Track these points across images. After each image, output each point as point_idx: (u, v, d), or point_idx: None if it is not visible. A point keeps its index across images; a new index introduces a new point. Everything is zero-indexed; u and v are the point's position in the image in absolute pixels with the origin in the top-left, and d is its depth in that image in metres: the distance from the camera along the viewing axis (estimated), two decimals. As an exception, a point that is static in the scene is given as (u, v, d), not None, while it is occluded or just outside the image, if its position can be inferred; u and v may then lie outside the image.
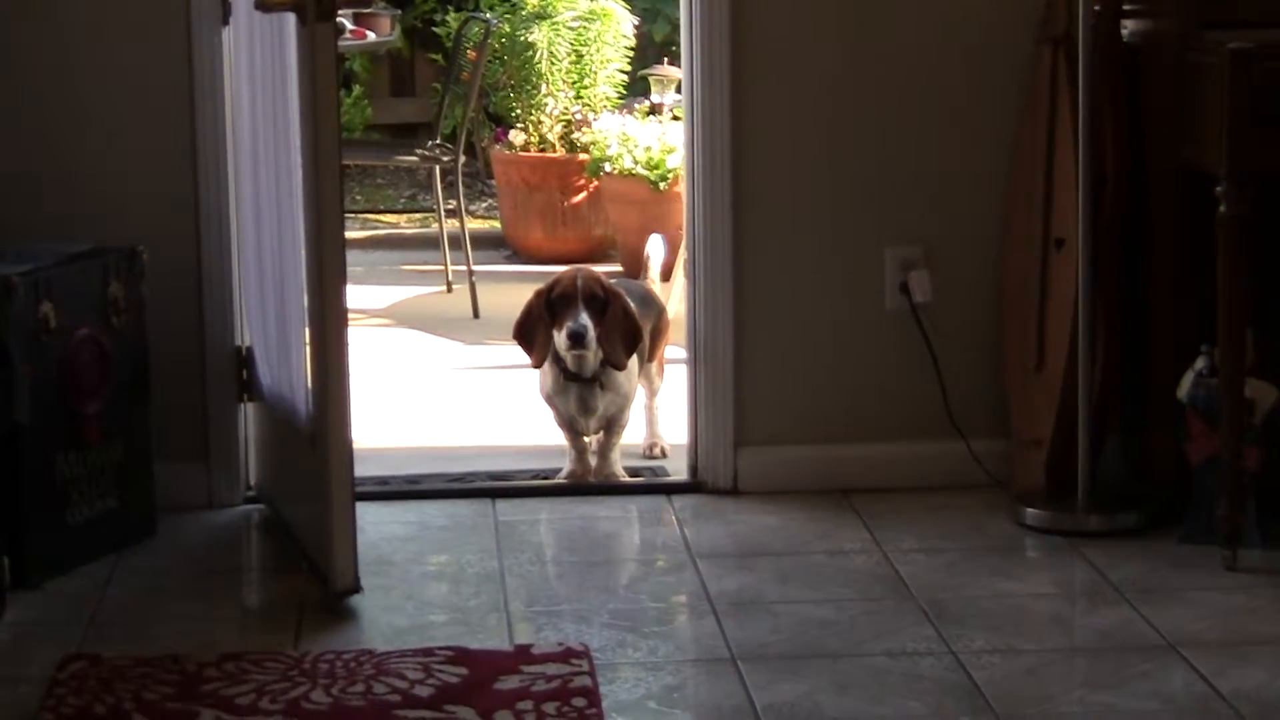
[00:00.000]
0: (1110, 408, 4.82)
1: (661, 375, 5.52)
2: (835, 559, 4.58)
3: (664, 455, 5.44)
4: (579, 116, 8.17)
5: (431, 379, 6.43)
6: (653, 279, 5.73)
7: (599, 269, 5.53)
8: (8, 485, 4.41)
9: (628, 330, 5.14)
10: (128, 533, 4.68)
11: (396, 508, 4.97)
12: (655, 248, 5.82)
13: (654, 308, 5.47)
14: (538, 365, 5.20)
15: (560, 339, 5.10)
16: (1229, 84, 4.33)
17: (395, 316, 7.35)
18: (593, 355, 5.12)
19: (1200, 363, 4.59)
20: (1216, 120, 4.37)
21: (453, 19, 9.04)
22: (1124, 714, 3.76)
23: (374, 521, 4.81)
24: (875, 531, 4.75)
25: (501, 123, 8.57)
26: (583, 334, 5.07)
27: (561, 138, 8.17)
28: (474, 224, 8.48)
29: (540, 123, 8.20)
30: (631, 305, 5.18)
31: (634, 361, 5.24)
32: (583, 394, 5.18)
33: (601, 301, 5.11)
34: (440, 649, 4.04)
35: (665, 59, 8.28)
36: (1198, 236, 4.56)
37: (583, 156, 8.02)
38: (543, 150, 8.18)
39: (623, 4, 8.44)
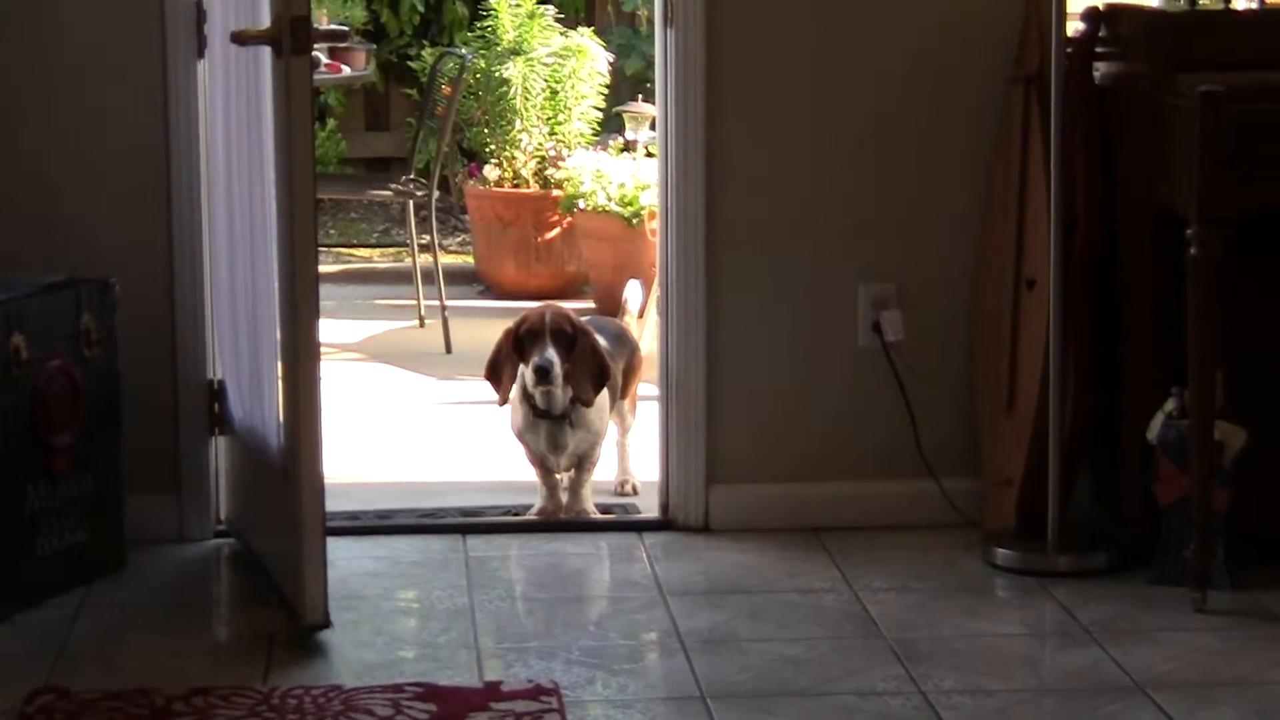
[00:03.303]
0: (1080, 448, 4.83)
1: (634, 412, 5.53)
2: (806, 597, 4.58)
3: (635, 492, 5.44)
4: (553, 152, 8.18)
5: (403, 414, 6.42)
6: (629, 323, 5.72)
7: (572, 305, 5.53)
8: (-23, 517, 4.40)
9: (596, 367, 5.14)
10: (97, 565, 4.66)
11: (367, 543, 4.96)
12: (633, 292, 5.82)
13: (627, 345, 5.48)
14: (502, 403, 5.20)
15: (527, 374, 5.10)
16: (1200, 126, 4.35)
17: (367, 351, 7.34)
18: (561, 391, 5.12)
19: (1170, 404, 4.60)
20: (1187, 162, 4.39)
21: (428, 54, 9.06)
22: (1092, 754, 3.77)
23: (344, 556, 4.80)
24: (846, 570, 4.75)
25: (475, 158, 8.58)
26: (549, 369, 5.07)
27: (535, 173, 8.19)
28: (447, 259, 8.48)
29: (514, 158, 8.21)
30: (600, 342, 5.18)
31: (605, 398, 5.24)
32: (553, 431, 5.18)
33: (569, 337, 5.11)
34: (410, 685, 4.03)
35: (639, 96, 8.31)
36: (1168, 278, 4.58)
37: (556, 192, 8.03)
38: (516, 186, 8.19)
39: (598, 41, 8.46)
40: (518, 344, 5.14)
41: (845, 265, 5.03)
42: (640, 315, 5.75)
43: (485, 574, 4.76)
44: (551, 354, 5.08)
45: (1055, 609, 4.51)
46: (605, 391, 5.23)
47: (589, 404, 5.14)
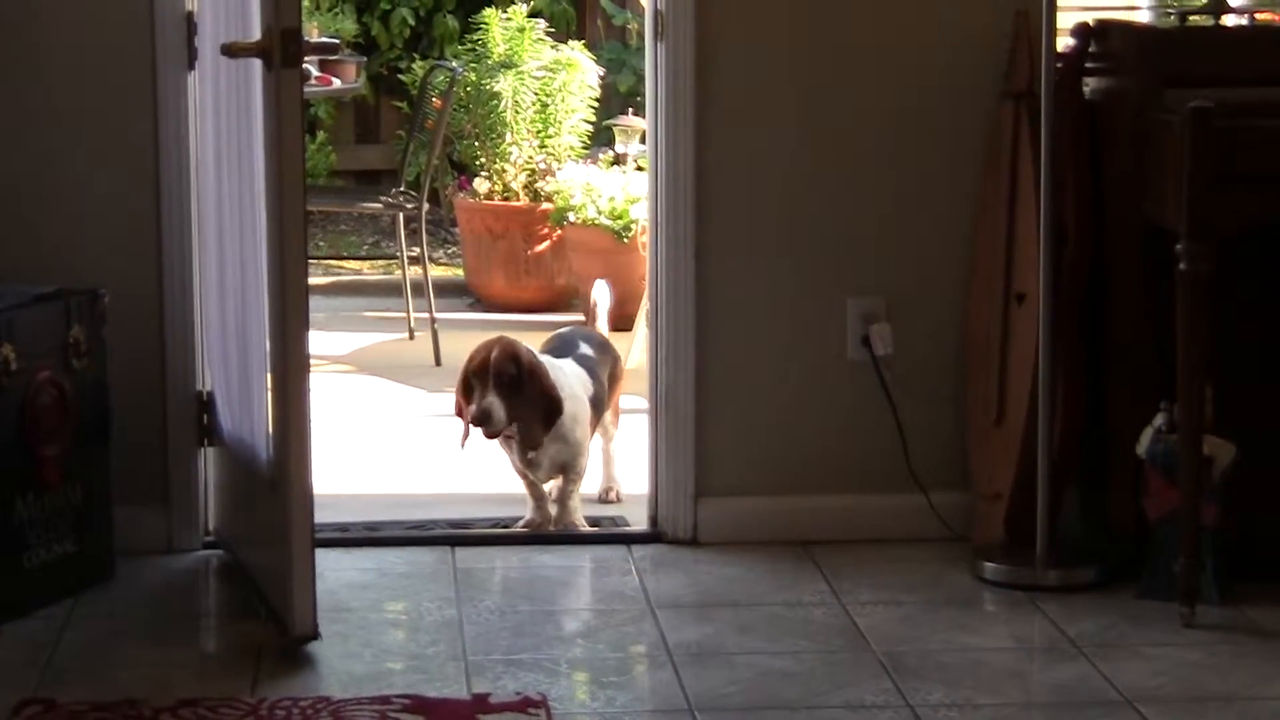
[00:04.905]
0: (1070, 463, 4.84)
1: (616, 422, 5.52)
2: (794, 610, 4.58)
3: (619, 500, 5.43)
4: (543, 166, 8.18)
5: (393, 426, 6.42)
6: (599, 326, 5.70)
7: (561, 319, 5.52)
8: (-35, 527, 4.40)
9: (544, 408, 5.06)
10: (85, 576, 4.66)
11: (356, 554, 4.96)
12: (601, 294, 5.79)
13: (610, 354, 5.47)
14: (462, 444, 5.16)
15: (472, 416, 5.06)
16: (1189, 142, 4.36)
17: (357, 363, 7.34)
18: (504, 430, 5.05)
19: (1159, 419, 4.61)
20: (1176, 178, 4.40)
21: (418, 67, 9.05)
22: (1080, 768, 3.78)
23: (333, 568, 4.80)
24: (834, 583, 4.75)
25: (465, 171, 8.58)
26: (489, 413, 5.03)
27: (525, 186, 8.19)
28: (437, 271, 8.48)
29: (504, 171, 8.21)
30: (551, 382, 5.08)
31: (585, 409, 5.21)
32: (524, 446, 5.14)
33: (514, 378, 5.04)
34: (398, 697, 4.03)
35: (630, 109, 8.30)
36: (1157, 293, 4.58)
37: (546, 206, 8.02)
38: (506, 199, 8.19)
39: (588, 55, 8.47)
40: (466, 386, 5.10)
41: (835, 279, 5.03)
42: (615, 326, 5.66)
43: (474, 586, 4.75)
44: (491, 400, 5.03)
45: (1044, 623, 4.51)
46: (586, 402, 5.21)
47: (536, 447, 5.09)
